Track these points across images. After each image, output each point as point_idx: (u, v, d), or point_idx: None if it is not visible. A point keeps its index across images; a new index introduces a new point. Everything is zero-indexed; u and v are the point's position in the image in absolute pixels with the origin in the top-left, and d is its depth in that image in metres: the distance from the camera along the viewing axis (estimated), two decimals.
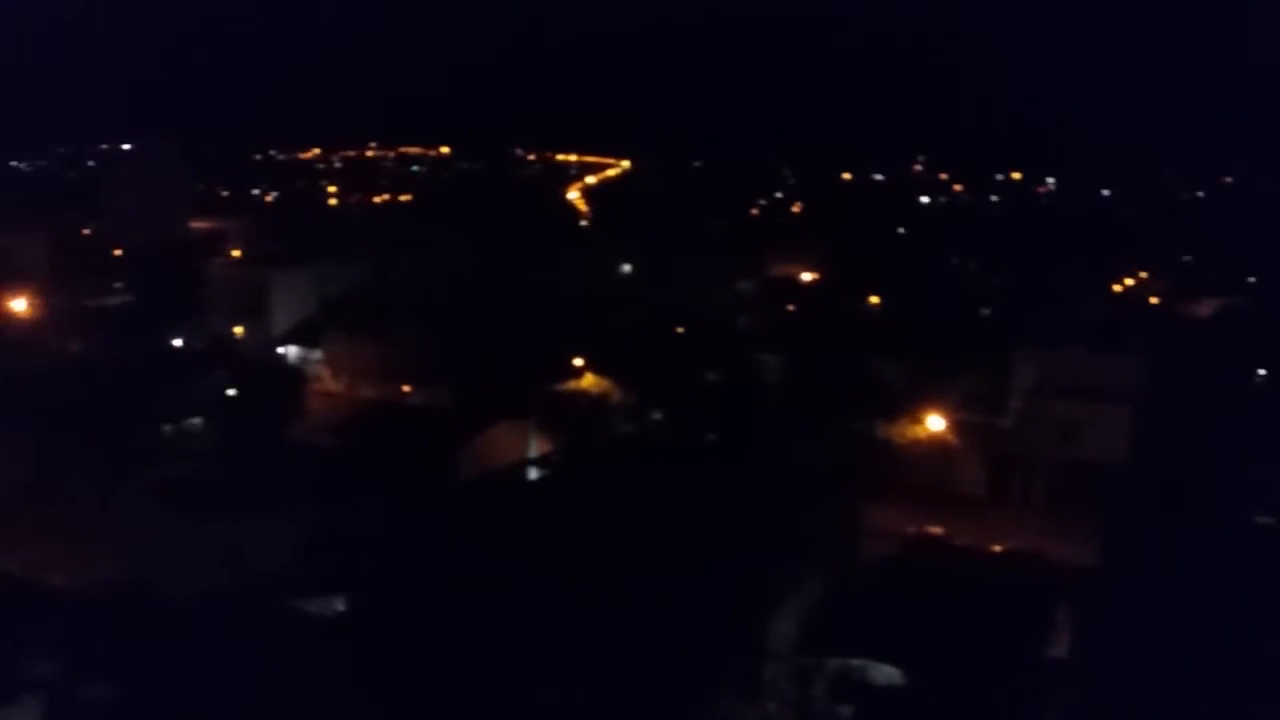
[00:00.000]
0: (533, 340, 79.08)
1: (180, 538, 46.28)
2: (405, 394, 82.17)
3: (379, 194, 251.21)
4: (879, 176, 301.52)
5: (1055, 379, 68.15)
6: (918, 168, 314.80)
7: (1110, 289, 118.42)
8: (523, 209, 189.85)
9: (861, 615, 39.95)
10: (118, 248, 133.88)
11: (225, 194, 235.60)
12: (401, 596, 41.50)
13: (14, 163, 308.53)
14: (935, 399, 68.08)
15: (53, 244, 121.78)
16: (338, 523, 46.26)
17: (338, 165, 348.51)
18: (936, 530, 57.46)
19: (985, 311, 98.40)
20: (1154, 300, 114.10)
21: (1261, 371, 75.96)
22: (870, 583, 44.21)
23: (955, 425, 67.48)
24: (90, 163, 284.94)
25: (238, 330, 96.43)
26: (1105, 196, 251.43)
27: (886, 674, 37.23)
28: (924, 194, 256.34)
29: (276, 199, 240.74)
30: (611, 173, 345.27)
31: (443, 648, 36.37)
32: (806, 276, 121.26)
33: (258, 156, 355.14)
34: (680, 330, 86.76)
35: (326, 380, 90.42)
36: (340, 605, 43.15)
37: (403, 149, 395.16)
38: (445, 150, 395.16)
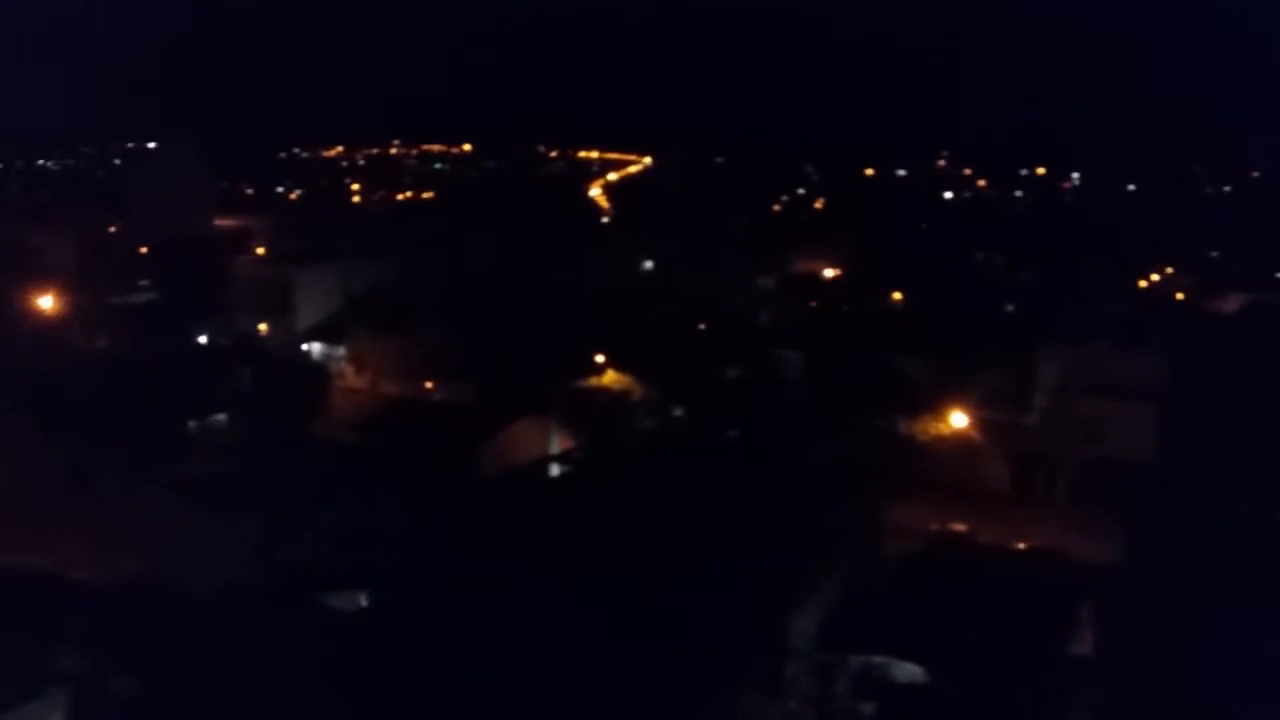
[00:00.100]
0: (554, 337, 79.24)
1: (205, 533, 46.57)
2: (428, 391, 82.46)
3: (402, 192, 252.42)
4: (902, 172, 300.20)
5: (1080, 376, 67.76)
6: (941, 163, 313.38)
7: (1136, 285, 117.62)
8: (545, 206, 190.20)
9: (884, 613, 39.82)
10: (144, 245, 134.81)
11: (250, 192, 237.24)
12: (424, 592, 41.64)
13: (42, 162, 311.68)
14: (959, 395, 67.76)
15: (80, 242, 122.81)
16: (361, 519, 46.47)
17: (361, 163, 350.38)
18: (960, 527, 57.23)
19: (1009, 308, 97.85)
20: (1180, 296, 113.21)
21: None
22: (893, 580, 44.03)
23: (979, 422, 67.16)
24: (116, 161, 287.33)
25: (262, 327, 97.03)
26: (1131, 192, 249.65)
27: (909, 672, 37.11)
28: (947, 189, 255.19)
29: (300, 197, 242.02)
30: (633, 169, 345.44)
31: (465, 643, 36.46)
32: (829, 272, 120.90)
33: (282, 154, 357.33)
34: (702, 327, 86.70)
35: (350, 377, 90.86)
36: (364, 601, 43.35)
37: (425, 147, 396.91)
38: (468, 148, 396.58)
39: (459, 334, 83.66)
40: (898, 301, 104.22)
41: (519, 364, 74.04)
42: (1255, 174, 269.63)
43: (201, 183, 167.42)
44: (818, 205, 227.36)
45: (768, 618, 39.46)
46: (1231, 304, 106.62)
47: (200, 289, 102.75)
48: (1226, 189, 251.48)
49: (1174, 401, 64.85)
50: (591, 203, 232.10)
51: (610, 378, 74.36)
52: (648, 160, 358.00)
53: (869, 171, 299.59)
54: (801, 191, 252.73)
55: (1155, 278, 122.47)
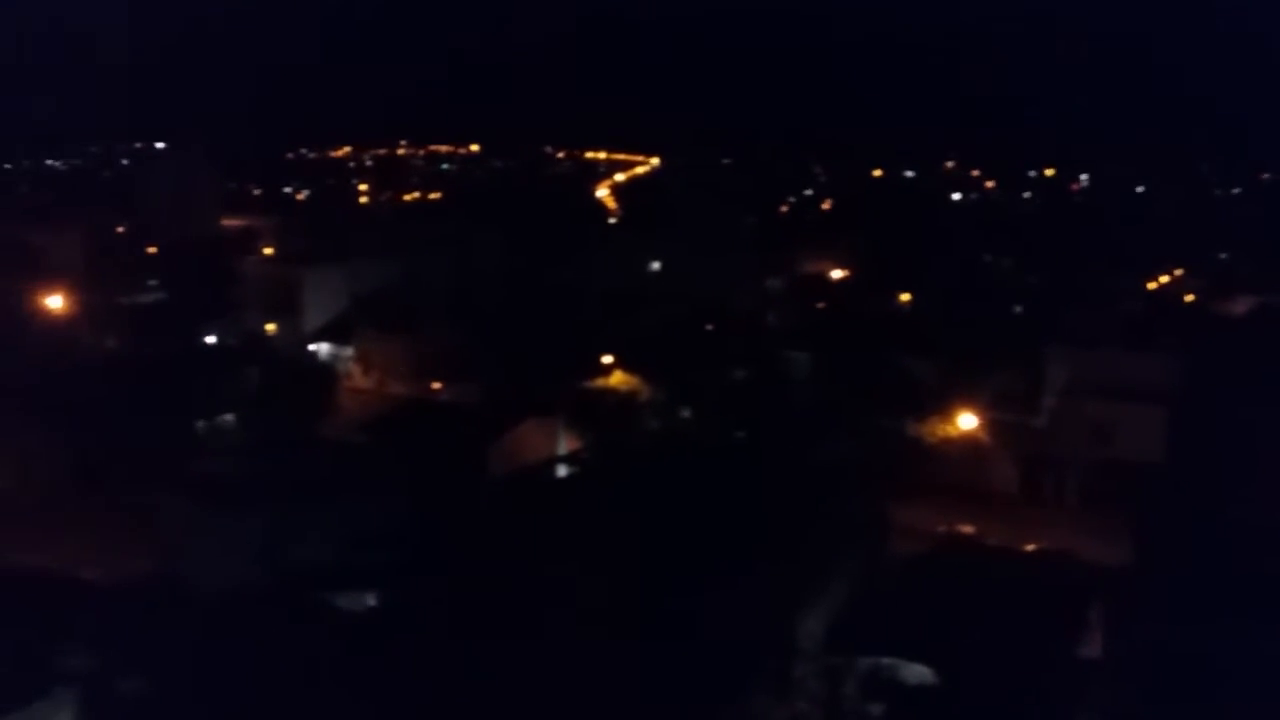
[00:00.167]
0: (562, 337, 79.20)
1: (213, 533, 46.61)
2: (435, 391, 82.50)
3: (409, 192, 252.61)
4: (910, 173, 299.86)
5: (1089, 378, 67.51)
6: (949, 164, 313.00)
7: (1145, 287, 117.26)
8: (552, 207, 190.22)
9: (892, 614, 39.73)
10: (151, 245, 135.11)
11: (257, 192, 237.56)
12: (432, 593, 41.63)
13: (49, 161, 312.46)
14: (967, 397, 67.59)
15: (87, 242, 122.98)
16: (369, 519, 46.47)
17: (368, 163, 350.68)
18: (968, 529, 57.11)
19: (1018, 309, 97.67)
20: (1189, 298, 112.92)
21: None
22: (901, 581, 43.94)
23: (987, 424, 66.99)
24: (124, 161, 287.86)
25: (270, 328, 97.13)
26: (1140, 193, 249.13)
27: (918, 673, 37.02)
28: (956, 191, 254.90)
29: (308, 197, 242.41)
30: (641, 170, 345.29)
31: (474, 644, 36.43)
32: (836, 274, 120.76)
33: (289, 155, 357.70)
34: (709, 328, 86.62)
35: (358, 377, 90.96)
36: (371, 601, 43.36)
37: (433, 147, 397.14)
38: (475, 148, 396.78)
39: (466, 334, 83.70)
40: (906, 303, 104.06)
41: (526, 364, 74.02)
42: (1265, 175, 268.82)
43: (209, 183, 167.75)
44: (825, 206, 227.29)
45: (776, 619, 39.37)
46: (1241, 306, 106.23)
47: (208, 289, 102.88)
48: (1236, 190, 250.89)
49: (1183, 404, 64.59)
50: (599, 203, 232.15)
51: (618, 378, 74.30)
52: (655, 161, 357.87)
53: (877, 172, 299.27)
54: (809, 192, 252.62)
55: (1164, 279, 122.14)
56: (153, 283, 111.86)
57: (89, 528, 54.68)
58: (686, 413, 71.29)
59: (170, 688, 35.23)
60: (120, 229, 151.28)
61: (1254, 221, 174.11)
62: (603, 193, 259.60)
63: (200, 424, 68.68)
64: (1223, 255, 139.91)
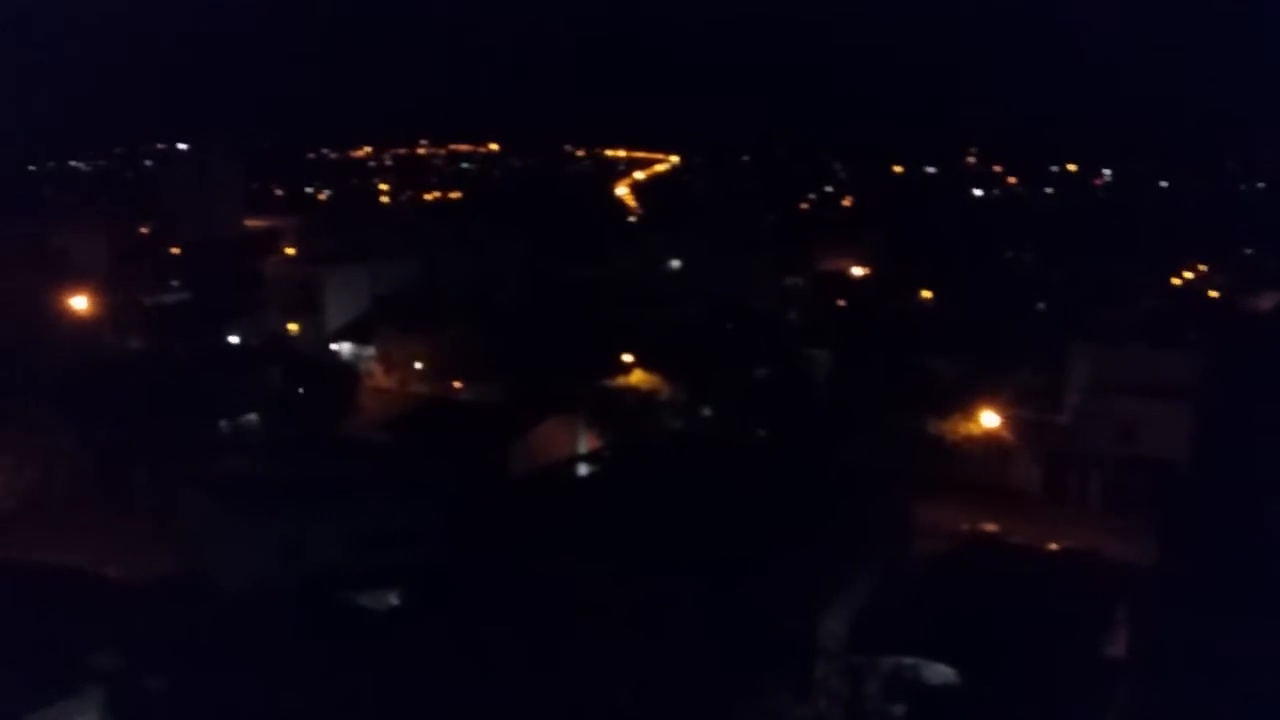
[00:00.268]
0: (582, 336, 79.20)
1: (235, 532, 46.87)
2: (456, 390, 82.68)
3: (430, 191, 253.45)
4: (931, 169, 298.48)
5: (1112, 374, 67.02)
6: (971, 160, 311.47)
7: (1169, 282, 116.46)
8: (572, 205, 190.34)
9: (915, 613, 39.55)
10: (175, 246, 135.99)
11: (279, 192, 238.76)
12: (454, 591, 41.72)
13: (73, 163, 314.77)
14: (990, 395, 67.22)
15: (111, 243, 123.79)
16: (390, 518, 46.62)
17: (389, 163, 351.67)
18: (991, 528, 56.83)
19: (1040, 306, 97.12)
20: (1214, 294, 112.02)
21: None
22: (924, 580, 43.75)
23: (1010, 421, 66.59)
24: (147, 162, 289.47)
25: (292, 327, 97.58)
26: (1163, 188, 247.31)
27: (940, 673, 36.84)
28: (977, 187, 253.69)
29: (329, 197, 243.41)
30: (661, 168, 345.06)
31: (494, 642, 36.47)
32: (857, 271, 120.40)
33: (310, 155, 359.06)
34: (730, 326, 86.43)
35: (379, 376, 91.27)
36: (393, 600, 43.49)
37: (453, 146, 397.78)
38: (495, 147, 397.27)
39: (487, 334, 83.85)
40: (927, 300, 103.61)
41: (547, 363, 74.08)
42: None
43: (231, 183, 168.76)
44: (846, 203, 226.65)
45: (798, 618, 39.26)
46: (1266, 301, 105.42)
47: (231, 289, 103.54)
48: (1261, 185, 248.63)
49: (1208, 400, 64.08)
50: (619, 202, 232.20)
51: (638, 377, 74.20)
52: (675, 159, 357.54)
53: (897, 169, 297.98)
54: (830, 189, 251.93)
55: (1189, 275, 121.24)
56: (176, 283, 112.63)
57: (113, 527, 55.11)
58: (707, 411, 71.16)
59: (194, 686, 35.44)
60: (143, 230, 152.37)
61: (1279, 216, 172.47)
62: (622, 191, 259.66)
63: (223, 424, 69.04)
64: (1248, 250, 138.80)
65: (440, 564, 44.24)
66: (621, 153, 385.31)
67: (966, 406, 66.99)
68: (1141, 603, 41.59)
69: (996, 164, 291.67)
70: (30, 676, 35.11)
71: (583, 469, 61.04)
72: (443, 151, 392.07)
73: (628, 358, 76.41)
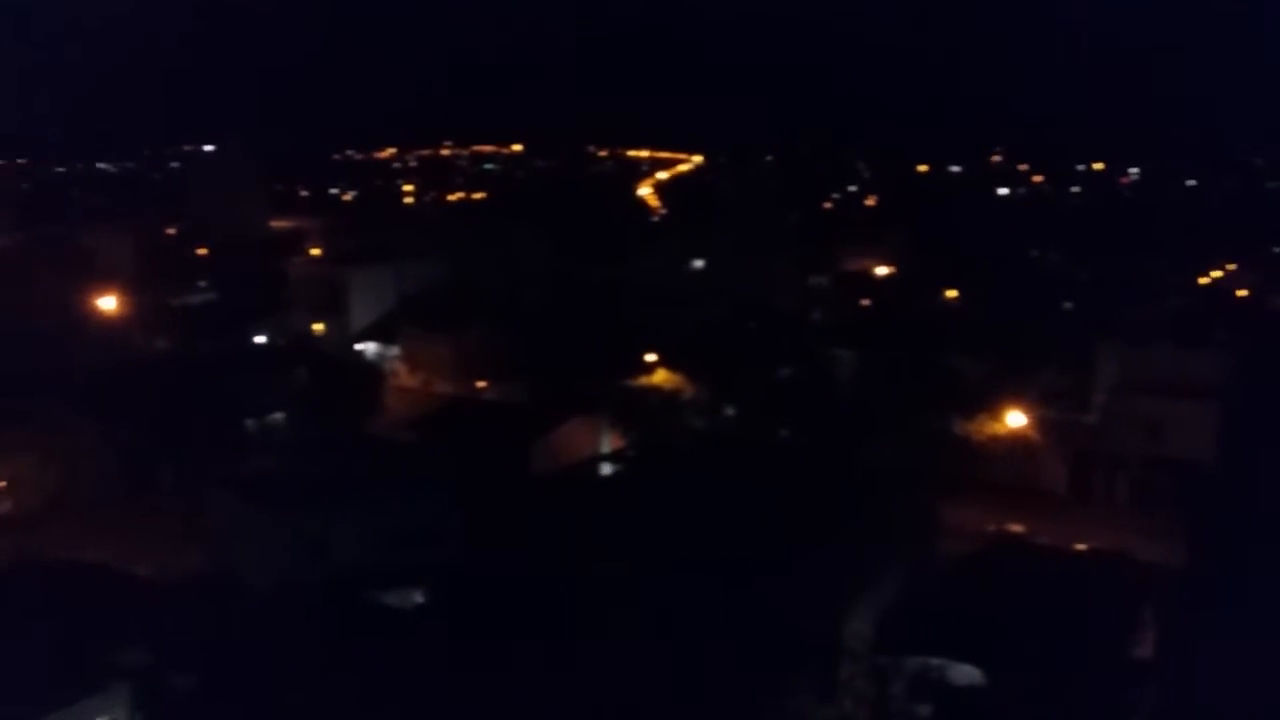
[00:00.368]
0: (606, 336, 79.26)
1: (262, 531, 47.13)
2: (480, 390, 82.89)
3: (454, 192, 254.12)
4: (956, 168, 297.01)
5: (1140, 374, 66.56)
6: (996, 158, 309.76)
7: (1197, 282, 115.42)
8: (595, 206, 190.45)
9: (941, 614, 39.39)
10: (201, 247, 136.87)
11: (304, 193, 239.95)
12: (478, 590, 41.81)
13: (100, 165, 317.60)
14: (1016, 395, 66.85)
15: (139, 244, 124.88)
16: (415, 517, 46.77)
17: (413, 164, 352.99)
18: (1018, 529, 56.50)
19: (1067, 305, 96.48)
20: (1242, 293, 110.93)
21: None
22: (950, 581, 43.55)
23: (1037, 422, 66.20)
24: (174, 164, 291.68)
25: (317, 327, 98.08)
26: (1191, 186, 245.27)
27: (966, 674, 36.67)
28: (1002, 185, 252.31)
29: (354, 198, 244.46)
30: (684, 168, 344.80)
31: (518, 641, 36.53)
32: (882, 271, 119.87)
33: (335, 156, 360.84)
34: (753, 326, 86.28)
35: (404, 376, 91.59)
36: (418, 598, 43.63)
37: (476, 147, 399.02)
38: (518, 148, 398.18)
39: (511, 333, 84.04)
40: (953, 299, 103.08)
41: (571, 363, 74.18)
42: None
43: (257, 185, 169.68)
44: (870, 202, 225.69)
45: (823, 618, 39.16)
46: None
47: (257, 290, 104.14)
48: None
49: (1236, 400, 63.53)
50: (642, 202, 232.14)
51: (661, 377, 74.22)
52: (698, 159, 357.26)
53: (922, 168, 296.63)
54: (853, 188, 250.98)
55: (1216, 274, 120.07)
56: (202, 283, 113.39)
57: (141, 525, 55.53)
58: (730, 411, 71.06)
59: (220, 683, 35.64)
60: (170, 231, 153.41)
61: None
62: (645, 191, 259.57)
63: (249, 423, 69.46)
64: (1276, 249, 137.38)
65: (464, 563, 44.35)
66: (644, 153, 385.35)
67: (992, 406, 66.63)
68: (1169, 604, 41.26)
69: (1022, 162, 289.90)
70: (57, 673, 35.43)
71: (606, 468, 61.05)
72: (466, 152, 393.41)
73: (651, 357, 76.41)
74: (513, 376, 79.42)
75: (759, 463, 52.62)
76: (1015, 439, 65.94)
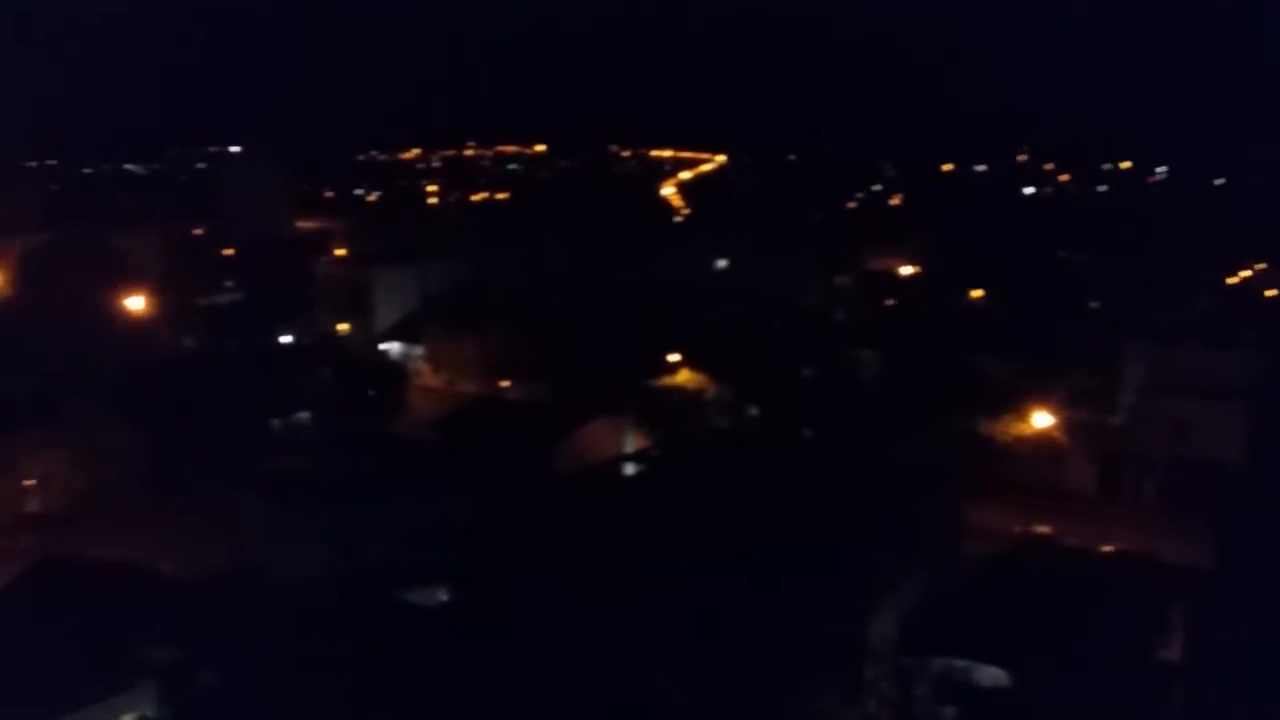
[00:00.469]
0: (629, 336, 79.25)
1: (288, 530, 47.36)
2: (504, 390, 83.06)
3: (477, 193, 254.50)
4: (981, 167, 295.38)
5: (1167, 375, 66.10)
6: (1022, 158, 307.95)
7: (1225, 282, 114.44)
8: (618, 206, 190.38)
9: (967, 615, 39.20)
10: (228, 247, 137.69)
11: (329, 194, 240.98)
12: (502, 589, 41.90)
13: (128, 166, 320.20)
14: (1043, 395, 66.45)
15: (166, 244, 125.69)
16: (440, 516, 46.92)
17: (437, 165, 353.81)
18: (1045, 530, 56.15)
19: (1094, 305, 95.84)
20: (1271, 293, 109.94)
21: None
22: (976, 582, 43.34)
23: (1064, 422, 65.80)
24: (201, 165, 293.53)
25: (343, 327, 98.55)
26: (1219, 185, 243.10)
27: (992, 675, 36.48)
28: (1028, 185, 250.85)
29: (378, 199, 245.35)
30: (706, 168, 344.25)
31: (543, 639, 36.60)
32: (906, 270, 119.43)
33: (360, 157, 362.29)
34: (777, 326, 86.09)
35: (428, 376, 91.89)
36: (442, 597, 43.76)
37: (500, 148, 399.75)
38: (541, 148, 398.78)
39: (534, 333, 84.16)
40: (978, 299, 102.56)
41: (594, 363, 74.22)
42: None
43: (283, 186, 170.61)
44: (894, 202, 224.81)
45: (847, 619, 39.03)
46: None
47: (283, 290, 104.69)
48: None
49: (1265, 401, 62.97)
50: (665, 202, 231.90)
51: (685, 377, 74.15)
52: (721, 158, 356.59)
53: (947, 167, 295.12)
54: (878, 188, 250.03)
55: (1244, 274, 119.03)
56: (229, 284, 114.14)
57: (168, 524, 55.88)
58: (754, 411, 70.91)
59: (246, 681, 35.86)
60: (197, 231, 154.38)
61: None
62: (669, 191, 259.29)
63: (275, 422, 69.83)
64: None
65: (488, 562, 44.43)
66: (667, 153, 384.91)
67: (1019, 407, 66.26)
68: (1196, 606, 40.93)
69: (1048, 161, 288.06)
70: (85, 670, 35.71)
71: (630, 469, 61.05)
72: (490, 153, 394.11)
73: (674, 357, 76.36)
74: (536, 376, 79.53)
75: (783, 463, 52.48)
76: (1042, 440, 65.53)
